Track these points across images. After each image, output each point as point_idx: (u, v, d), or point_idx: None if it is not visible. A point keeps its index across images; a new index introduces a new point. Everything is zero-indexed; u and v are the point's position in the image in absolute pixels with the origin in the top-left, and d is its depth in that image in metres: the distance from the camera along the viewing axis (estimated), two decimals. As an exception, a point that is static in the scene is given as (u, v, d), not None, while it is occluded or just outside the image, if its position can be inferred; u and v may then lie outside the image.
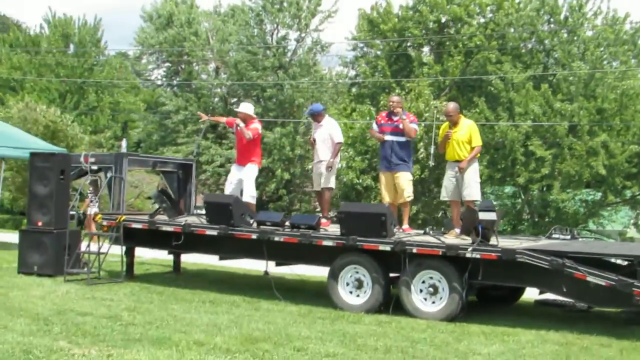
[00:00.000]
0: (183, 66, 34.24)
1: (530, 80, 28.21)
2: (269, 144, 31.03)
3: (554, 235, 10.95)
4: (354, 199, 29.49)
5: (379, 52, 33.84)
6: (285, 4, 31.63)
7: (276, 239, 10.37)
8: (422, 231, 10.88)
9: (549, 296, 10.53)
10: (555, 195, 27.41)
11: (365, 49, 34.80)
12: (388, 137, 11.21)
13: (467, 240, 9.66)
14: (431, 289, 9.29)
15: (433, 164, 10.62)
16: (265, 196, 33.47)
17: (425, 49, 31.42)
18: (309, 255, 10.49)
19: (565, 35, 29.00)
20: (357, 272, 9.87)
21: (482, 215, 8.90)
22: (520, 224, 30.26)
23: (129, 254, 12.57)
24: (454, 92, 31.56)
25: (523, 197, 30.71)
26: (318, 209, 29.66)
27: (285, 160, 30.68)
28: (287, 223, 10.68)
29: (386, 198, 11.20)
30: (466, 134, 10.63)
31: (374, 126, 11.60)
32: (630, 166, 27.53)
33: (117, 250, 12.03)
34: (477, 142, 10.72)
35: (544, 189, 28.48)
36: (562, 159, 27.35)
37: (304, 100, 30.77)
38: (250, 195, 12.10)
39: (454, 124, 10.75)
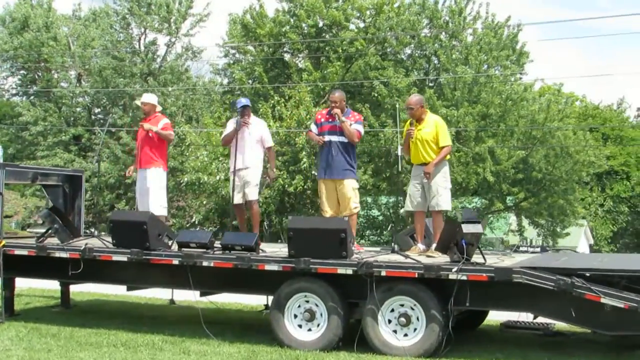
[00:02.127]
0: (40, 74, 31.25)
1: (414, 86, 27.41)
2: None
3: (521, 249, 9.71)
4: (232, 213, 27.79)
5: (252, 58, 32.24)
6: (153, 7, 29.44)
7: (205, 263, 8.58)
8: (378, 249, 9.36)
9: (513, 317, 9.33)
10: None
11: (237, 55, 33.11)
12: (330, 138, 9.64)
13: (436, 257, 8.26)
14: (403, 319, 7.79)
15: (400, 169, 8.88)
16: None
17: (303, 54, 29.99)
18: (246, 282, 8.75)
19: (447, 39, 28.43)
20: (307, 302, 8.26)
21: (467, 228, 7.48)
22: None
23: (8, 286, 10.36)
24: (334, 99, 30.32)
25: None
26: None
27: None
28: (216, 244, 8.92)
29: (328, 210, 9.62)
30: (432, 132, 9.15)
31: (313, 127, 9.98)
32: (515, 172, 27.23)
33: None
34: (446, 141, 9.26)
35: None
36: (450, 165, 26.64)
37: (176, 108, 28.66)
38: (159, 205, 10.27)
39: (417, 119, 9.26)
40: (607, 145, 37.06)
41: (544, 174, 27.34)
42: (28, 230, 33.09)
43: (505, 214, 30.95)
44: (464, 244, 7.47)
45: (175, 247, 9.12)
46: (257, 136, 10.23)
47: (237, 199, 10.29)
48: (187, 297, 11.67)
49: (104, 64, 29.61)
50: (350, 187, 9.58)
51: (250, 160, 10.10)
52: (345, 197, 9.52)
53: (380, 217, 30.45)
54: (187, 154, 27.86)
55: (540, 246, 9.71)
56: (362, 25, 30.03)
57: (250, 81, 30.76)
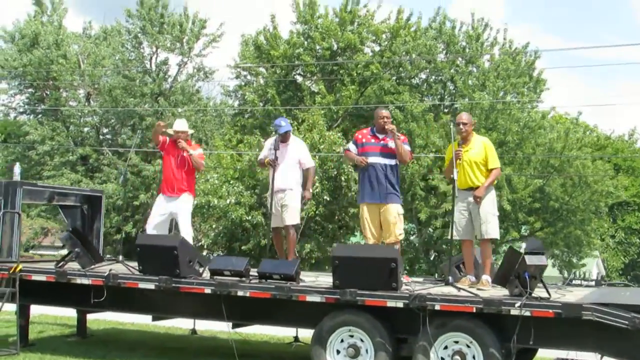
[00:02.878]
0: (49, 92, 30.71)
1: (429, 112, 26.95)
2: (149, 177, 28.14)
3: (574, 281, 9.11)
4: (242, 238, 27.21)
5: (263, 80, 31.80)
6: (166, 26, 28.99)
7: (240, 293, 7.98)
8: (432, 278, 8.75)
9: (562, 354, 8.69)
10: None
11: (249, 77, 32.67)
12: (374, 160, 9.08)
13: (487, 289, 7.68)
14: (458, 358, 7.18)
15: (456, 195, 8.28)
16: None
17: (316, 77, 29.52)
18: (285, 314, 8.17)
19: (463, 65, 27.97)
20: (351, 336, 7.65)
21: (530, 260, 6.90)
22: (418, 263, 28.85)
23: (24, 314, 9.74)
24: (347, 122, 29.92)
25: (418, 233, 29.33)
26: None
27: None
28: (253, 272, 8.33)
29: (371, 237, 9.04)
30: (481, 153, 8.58)
31: (351, 146, 9.41)
32: (532, 201, 26.64)
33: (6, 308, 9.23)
34: (495, 163, 8.70)
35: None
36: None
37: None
38: (187, 234, 9.72)
39: (464, 140, 8.70)
40: (619, 176, 36.53)
41: (561, 204, 26.73)
42: (32, 252, 32.43)
43: (519, 243, 30.28)
44: (526, 277, 6.89)
45: (207, 274, 8.54)
46: (295, 157, 9.74)
47: (275, 222, 9.75)
48: (210, 327, 11.12)
49: (114, 83, 29.10)
50: (395, 212, 9.02)
51: (288, 183, 9.59)
52: (390, 222, 8.95)
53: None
54: (197, 176, 27.35)
55: (595, 279, 9.10)
56: (377, 48, 29.59)
57: (261, 103, 30.28)
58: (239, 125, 31.39)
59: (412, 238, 29.52)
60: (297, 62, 29.60)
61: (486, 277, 8.28)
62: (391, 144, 9.11)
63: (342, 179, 26.28)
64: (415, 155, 26.50)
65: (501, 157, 26.39)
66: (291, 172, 9.70)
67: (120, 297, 8.83)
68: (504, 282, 7.34)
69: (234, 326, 8.94)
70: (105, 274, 8.65)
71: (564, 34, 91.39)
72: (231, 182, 26.38)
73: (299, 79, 30.30)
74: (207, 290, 8.15)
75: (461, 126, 8.68)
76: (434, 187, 26.24)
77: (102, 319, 12.30)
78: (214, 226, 28.12)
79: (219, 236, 29.22)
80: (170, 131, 10.45)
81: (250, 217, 26.29)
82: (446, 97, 29.03)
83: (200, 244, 29.22)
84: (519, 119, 26.22)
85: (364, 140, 9.26)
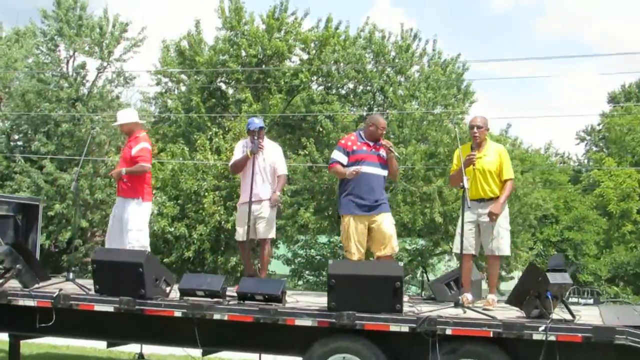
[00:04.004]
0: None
1: (360, 122, 26.37)
2: (64, 187, 26.54)
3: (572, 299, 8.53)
4: (164, 250, 26.04)
5: (184, 87, 30.68)
6: (84, 29, 27.45)
7: (217, 316, 7.05)
8: (419, 297, 7.99)
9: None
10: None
11: (170, 83, 31.46)
12: (370, 170, 8.30)
13: (493, 310, 7.00)
14: (470, 389, 6.46)
15: (469, 206, 7.50)
16: (55, 247, 28.79)
17: (242, 84, 28.52)
18: (268, 339, 7.26)
19: (393, 75, 27.53)
20: (347, 366, 6.82)
21: (554, 278, 6.24)
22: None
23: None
24: (274, 132, 29.07)
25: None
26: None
27: (82, 205, 26.33)
28: (231, 292, 7.41)
29: (355, 252, 8.24)
30: (495, 162, 7.88)
31: (340, 155, 8.54)
32: (463, 213, 26.36)
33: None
34: (511, 173, 8.04)
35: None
36: (396, 205, 25.59)
37: (105, 137, 26.66)
38: (139, 245, 8.71)
39: (478, 145, 7.99)
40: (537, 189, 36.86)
41: (491, 216, 26.57)
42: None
43: (447, 256, 30.06)
44: (549, 297, 6.23)
45: (174, 294, 7.57)
46: (271, 162, 8.84)
47: (241, 234, 8.83)
48: (156, 350, 10.12)
49: (27, 87, 27.44)
50: (390, 222, 8.26)
51: (265, 192, 8.69)
52: (386, 234, 8.19)
53: (319, 258, 29.14)
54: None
55: (593, 297, 8.57)
56: (305, 57, 28.87)
57: (183, 111, 29.09)
58: (160, 133, 30.16)
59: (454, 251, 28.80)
60: (222, 69, 28.63)
61: (492, 297, 7.63)
62: (383, 154, 8.40)
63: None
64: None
65: (432, 168, 26.13)
66: (267, 179, 8.82)
67: (72, 321, 7.76)
68: (520, 302, 6.65)
69: (204, 353, 7.98)
70: (55, 295, 7.57)
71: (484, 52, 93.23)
72: (153, 192, 25.17)
73: (224, 86, 29.29)
74: (178, 313, 7.18)
75: (475, 130, 7.96)
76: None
77: (35, 343, 11.07)
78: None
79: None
80: (117, 125, 9.50)
81: (173, 229, 25.27)
82: (375, 107, 28.54)
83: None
84: (449, 131, 25.95)
85: (354, 147, 8.44)
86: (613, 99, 51.51)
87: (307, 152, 26.34)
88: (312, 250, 29.09)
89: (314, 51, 28.27)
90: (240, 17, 28.61)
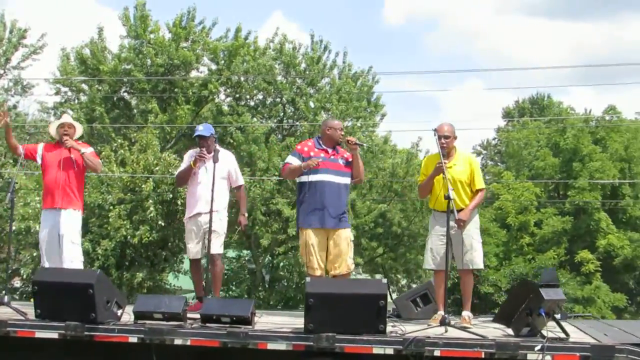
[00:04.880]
0: None
1: (273, 133, 25.95)
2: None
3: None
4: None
5: (84, 97, 29.38)
6: (-21, 34, 25.98)
7: (178, 342, 6.43)
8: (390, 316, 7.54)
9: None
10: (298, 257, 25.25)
11: (69, 93, 30.08)
12: (326, 178, 7.82)
13: (470, 327, 6.66)
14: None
15: (458, 217, 7.09)
16: None
17: (148, 94, 27.52)
18: (236, 366, 6.68)
19: (304, 87, 27.20)
20: (324, 393, 6.32)
21: (547, 294, 5.94)
22: (257, 292, 27.61)
23: None
24: (180, 144, 28.24)
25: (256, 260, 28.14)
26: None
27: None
28: (193, 314, 6.80)
29: (317, 268, 7.76)
30: (465, 171, 7.56)
31: (293, 160, 8.06)
32: (375, 226, 26.26)
33: None
34: (482, 183, 7.73)
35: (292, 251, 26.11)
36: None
37: (3, 149, 25.24)
38: (79, 260, 8.03)
39: (446, 154, 7.62)
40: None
41: (403, 229, 26.57)
42: None
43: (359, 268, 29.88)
44: (542, 314, 5.92)
45: (127, 317, 6.90)
46: (223, 172, 8.25)
47: (195, 252, 8.20)
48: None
49: None
50: (348, 238, 7.83)
51: (215, 203, 8.07)
52: (342, 250, 7.76)
53: (228, 272, 28.43)
54: (15, 199, 24.53)
55: (560, 312, 8.32)
56: (214, 67, 28.13)
57: (86, 122, 27.83)
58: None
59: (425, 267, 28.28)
60: (127, 78, 27.60)
61: (468, 313, 7.29)
62: (342, 160, 7.95)
63: (179, 202, 24.77)
64: (257, 178, 25.36)
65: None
66: (218, 189, 8.19)
67: (8, 351, 6.95)
68: (508, 319, 6.32)
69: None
70: (-11, 321, 6.77)
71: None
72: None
73: (129, 96, 28.19)
74: (133, 339, 6.52)
75: (443, 140, 7.60)
76: (280, 211, 25.15)
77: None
78: (34, 254, 25.48)
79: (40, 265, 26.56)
80: (52, 131, 8.68)
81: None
82: (285, 119, 28.14)
83: (21, 274, 26.35)
84: (362, 144, 25.79)
85: (311, 153, 7.98)
86: (508, 114, 52.94)
87: (217, 165, 25.70)
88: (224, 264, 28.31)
89: (222, 61, 27.56)
90: (146, 25, 27.66)
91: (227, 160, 8.46)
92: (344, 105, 25.99)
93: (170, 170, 24.19)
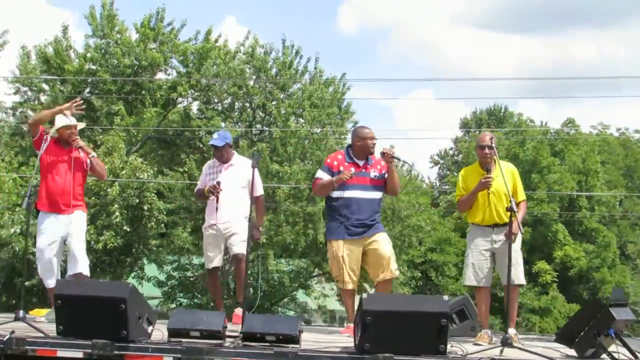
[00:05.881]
0: None
1: (243, 138, 25.44)
2: None
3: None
4: (20, 272, 23.95)
5: (45, 97, 28.49)
6: None
7: (221, 363, 5.96)
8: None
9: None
10: (273, 266, 24.81)
11: (29, 93, 29.13)
12: (357, 194, 7.41)
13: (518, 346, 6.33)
14: None
15: (522, 231, 6.71)
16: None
17: (114, 96, 26.73)
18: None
19: (276, 92, 26.76)
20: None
21: (618, 314, 5.65)
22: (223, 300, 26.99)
23: None
24: (147, 147, 27.58)
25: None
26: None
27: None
28: (230, 330, 6.34)
29: (350, 282, 7.37)
30: (510, 183, 7.14)
31: (323, 174, 7.65)
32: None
33: None
34: (524, 194, 7.40)
35: (259, 258, 25.56)
36: (277, 226, 24.75)
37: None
38: (86, 264, 7.54)
39: (488, 167, 7.25)
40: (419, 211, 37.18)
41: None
42: None
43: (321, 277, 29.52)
44: (611, 335, 5.63)
45: (160, 335, 6.40)
46: (243, 181, 7.80)
47: (214, 260, 7.76)
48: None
49: None
50: (386, 241, 7.45)
51: (233, 212, 7.63)
52: (384, 255, 7.40)
53: (193, 279, 27.80)
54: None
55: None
56: (183, 69, 27.48)
57: (48, 123, 26.93)
58: (20, 146, 27.79)
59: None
60: (91, 79, 26.82)
61: (513, 331, 6.96)
62: (375, 172, 7.55)
63: (145, 208, 24.21)
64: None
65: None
66: (238, 200, 7.76)
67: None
68: (571, 339, 6.01)
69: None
70: (5, 338, 6.19)
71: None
72: (15, 209, 23.15)
73: (94, 97, 27.32)
74: (168, 359, 6.03)
75: (487, 150, 7.23)
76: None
77: None
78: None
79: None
80: (52, 130, 8.11)
81: (36, 249, 23.23)
82: (255, 124, 27.65)
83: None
84: (335, 150, 25.48)
85: (341, 167, 7.57)
86: (465, 125, 53.22)
87: (185, 170, 25.12)
88: (188, 272, 27.68)
89: (191, 64, 26.94)
90: (113, 24, 26.92)
91: (246, 168, 7.97)
92: (317, 111, 25.62)
93: (136, 174, 23.60)
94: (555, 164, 42.05)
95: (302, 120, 25.71)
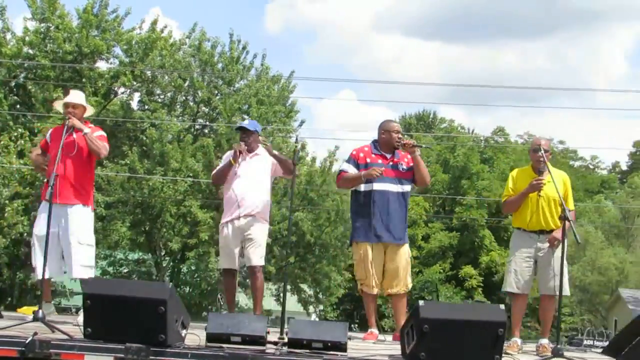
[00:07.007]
0: None
1: (187, 132, 24.86)
2: None
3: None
4: None
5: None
6: None
7: (265, 372, 5.59)
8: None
9: None
10: (213, 264, 24.32)
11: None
12: (386, 187, 7.10)
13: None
14: None
15: (579, 241, 6.45)
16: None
17: (52, 82, 25.63)
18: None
19: (222, 87, 26.27)
20: None
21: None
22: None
23: None
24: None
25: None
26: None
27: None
28: (279, 336, 5.97)
29: (375, 287, 7.08)
30: (562, 189, 6.87)
31: (349, 167, 7.27)
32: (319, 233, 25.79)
33: None
34: (573, 203, 7.17)
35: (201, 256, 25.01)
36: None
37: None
38: (89, 266, 6.94)
39: (541, 170, 7.01)
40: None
41: (315, 238, 26.03)
42: None
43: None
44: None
45: (196, 340, 5.98)
46: (266, 169, 7.33)
47: (229, 262, 7.28)
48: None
49: None
50: (406, 254, 7.17)
51: (255, 205, 7.17)
52: (400, 267, 7.06)
53: (131, 275, 27.03)
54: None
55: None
56: (126, 58, 26.61)
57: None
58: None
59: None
60: (28, 63, 25.71)
61: (545, 341, 6.79)
62: (403, 165, 7.24)
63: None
64: (170, 179, 24.25)
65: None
66: (259, 190, 7.29)
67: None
68: (619, 350, 5.87)
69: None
70: (27, 340, 5.66)
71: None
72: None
73: (30, 83, 26.16)
74: (210, 366, 5.63)
75: (540, 153, 6.97)
76: (193, 214, 24.05)
77: None
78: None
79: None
80: (58, 107, 7.32)
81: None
82: (198, 119, 27.09)
83: None
84: (281, 149, 25.17)
85: (368, 159, 7.18)
86: (394, 129, 53.59)
87: (127, 162, 24.36)
88: (124, 268, 26.89)
89: (135, 53, 26.10)
90: (54, 8, 25.84)
91: (270, 160, 7.49)
92: (264, 108, 25.26)
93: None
94: (484, 171, 42.82)
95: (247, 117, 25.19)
